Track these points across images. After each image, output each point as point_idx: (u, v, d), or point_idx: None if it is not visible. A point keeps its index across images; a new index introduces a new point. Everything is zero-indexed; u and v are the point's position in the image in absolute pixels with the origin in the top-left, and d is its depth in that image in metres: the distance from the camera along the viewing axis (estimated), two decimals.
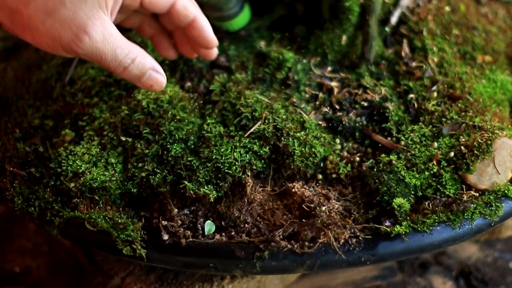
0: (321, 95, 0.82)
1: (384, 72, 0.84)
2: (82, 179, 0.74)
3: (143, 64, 0.71)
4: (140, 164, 0.75)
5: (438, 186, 0.74)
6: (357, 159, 0.78)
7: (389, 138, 0.79)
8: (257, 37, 0.87)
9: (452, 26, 0.89)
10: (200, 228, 0.72)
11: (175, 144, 0.75)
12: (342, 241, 0.69)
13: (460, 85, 0.83)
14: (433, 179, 0.74)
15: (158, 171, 0.74)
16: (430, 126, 0.79)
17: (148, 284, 0.77)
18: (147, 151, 0.75)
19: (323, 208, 0.72)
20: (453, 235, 0.71)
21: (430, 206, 0.72)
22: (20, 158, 0.79)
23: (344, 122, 0.80)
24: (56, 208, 0.74)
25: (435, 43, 0.87)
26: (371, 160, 0.77)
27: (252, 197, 0.74)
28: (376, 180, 0.74)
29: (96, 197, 0.74)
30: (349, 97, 0.82)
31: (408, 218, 0.72)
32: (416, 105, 0.81)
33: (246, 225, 0.72)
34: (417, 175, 0.74)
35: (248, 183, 0.74)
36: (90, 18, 0.68)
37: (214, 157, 0.74)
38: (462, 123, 0.78)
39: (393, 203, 0.72)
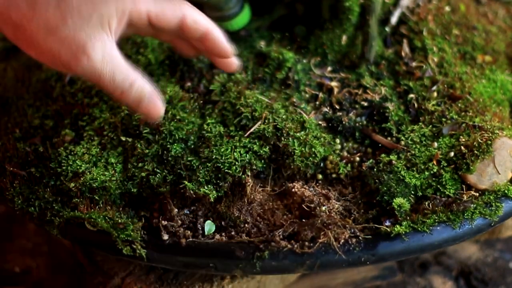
0: (321, 95, 0.82)
1: (384, 72, 0.84)
2: (82, 179, 0.74)
3: (142, 89, 0.69)
4: (140, 164, 0.75)
5: (438, 186, 0.74)
6: (357, 159, 0.78)
7: (389, 138, 0.79)
8: (257, 37, 0.87)
9: (452, 26, 0.89)
10: (200, 228, 0.72)
11: (175, 144, 0.75)
12: (342, 241, 0.69)
13: (460, 85, 0.83)
14: (433, 179, 0.74)
15: (158, 171, 0.74)
16: (430, 126, 0.79)
17: (148, 284, 0.77)
18: (147, 151, 0.75)
19: (323, 208, 0.72)
20: (453, 235, 0.71)
21: (430, 206, 0.72)
22: (20, 158, 0.79)
23: (344, 122, 0.80)
24: (56, 208, 0.74)
25: (435, 43, 0.87)
26: (371, 160, 0.77)
27: (252, 197, 0.74)
28: (376, 180, 0.74)
29: (96, 197, 0.74)
30: (349, 97, 0.82)
31: (408, 218, 0.72)
32: (416, 105, 0.81)
33: (246, 225, 0.72)
34: (417, 175, 0.74)
35: (248, 183, 0.74)
36: (91, 38, 0.67)
37: (214, 157, 0.74)
38: (462, 123, 0.78)
39: (393, 203, 0.72)
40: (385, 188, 0.74)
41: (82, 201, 0.73)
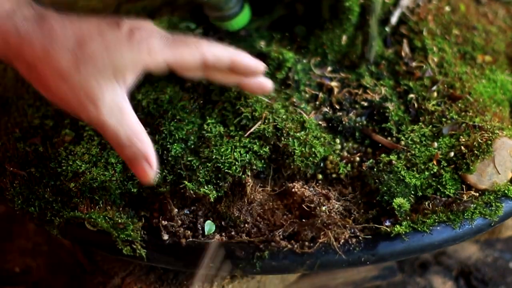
0: (321, 95, 0.82)
1: (384, 72, 0.84)
2: (82, 179, 0.74)
3: (139, 150, 0.68)
4: None
5: (438, 186, 0.74)
6: (357, 159, 0.78)
7: (389, 138, 0.79)
8: (257, 37, 0.87)
9: (452, 26, 0.89)
10: (200, 228, 0.72)
11: (175, 144, 0.75)
12: (342, 241, 0.69)
13: (460, 85, 0.83)
14: (433, 179, 0.74)
15: (158, 171, 0.74)
16: (430, 126, 0.79)
17: (148, 284, 0.77)
18: None
19: (323, 208, 0.72)
20: (453, 235, 0.71)
21: (430, 206, 0.72)
22: (20, 158, 0.79)
23: (344, 122, 0.80)
24: (56, 208, 0.74)
25: (435, 43, 0.87)
26: (371, 160, 0.77)
27: (252, 197, 0.74)
28: (376, 180, 0.74)
29: (96, 197, 0.74)
30: (349, 97, 0.82)
31: (408, 218, 0.72)
32: (416, 105, 0.81)
33: (246, 225, 0.72)
34: (417, 175, 0.74)
35: (248, 183, 0.74)
36: (102, 88, 0.66)
37: (214, 157, 0.74)
38: (462, 123, 0.78)
39: (393, 203, 0.72)
40: (385, 188, 0.74)
41: (82, 201, 0.73)
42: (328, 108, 0.81)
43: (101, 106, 0.67)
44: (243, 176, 0.74)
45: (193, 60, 0.70)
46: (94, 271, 0.82)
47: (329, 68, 0.84)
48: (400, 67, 0.85)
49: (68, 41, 0.67)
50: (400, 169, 0.74)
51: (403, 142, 0.78)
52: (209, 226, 0.72)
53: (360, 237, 0.70)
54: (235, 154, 0.74)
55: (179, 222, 0.73)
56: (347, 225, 0.70)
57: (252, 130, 0.76)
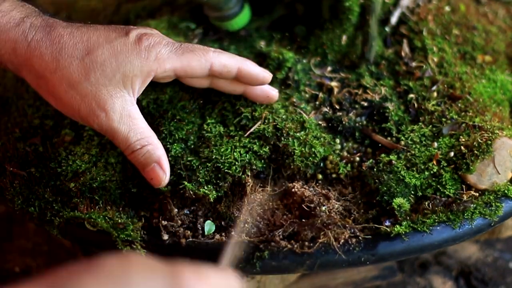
0: (321, 95, 0.82)
1: (384, 72, 0.84)
2: (82, 179, 0.74)
3: (150, 154, 0.70)
4: None
5: (438, 186, 0.74)
6: (357, 159, 0.78)
7: (389, 138, 0.79)
8: (257, 37, 0.87)
9: (452, 26, 0.89)
10: (200, 228, 0.72)
11: (175, 144, 0.75)
12: (342, 241, 0.69)
13: (460, 85, 0.83)
14: (433, 179, 0.74)
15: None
16: (430, 126, 0.79)
17: None
18: None
19: (323, 208, 0.72)
20: (453, 235, 0.71)
21: (430, 206, 0.72)
22: (20, 158, 0.79)
23: (344, 122, 0.80)
24: (56, 208, 0.74)
25: (435, 43, 0.87)
26: (371, 160, 0.77)
27: (252, 197, 0.74)
28: (376, 180, 0.74)
29: (96, 197, 0.74)
30: (349, 97, 0.82)
31: (408, 218, 0.72)
32: (416, 105, 0.81)
33: (246, 225, 0.72)
34: (417, 175, 0.74)
35: (248, 183, 0.74)
36: (111, 96, 0.68)
37: (214, 157, 0.74)
38: (462, 123, 0.78)
39: (393, 203, 0.72)
40: (385, 188, 0.74)
41: (82, 201, 0.73)
42: (328, 108, 0.81)
43: (111, 113, 0.68)
44: (243, 176, 0.74)
45: (200, 68, 0.71)
46: None
47: (329, 68, 0.84)
48: (400, 67, 0.85)
49: (77, 49, 0.68)
50: (400, 169, 0.74)
51: (403, 142, 0.78)
52: (209, 226, 0.72)
53: (360, 237, 0.70)
54: (235, 154, 0.74)
55: (179, 222, 0.73)
56: (347, 225, 0.70)
57: (252, 130, 0.76)
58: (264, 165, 0.76)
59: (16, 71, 0.71)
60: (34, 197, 0.75)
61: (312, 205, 0.72)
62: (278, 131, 0.76)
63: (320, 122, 0.79)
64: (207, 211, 0.74)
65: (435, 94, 0.82)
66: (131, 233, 0.71)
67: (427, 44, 0.86)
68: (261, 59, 0.84)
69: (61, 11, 0.99)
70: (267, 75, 0.75)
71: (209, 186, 0.73)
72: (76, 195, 0.74)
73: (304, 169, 0.76)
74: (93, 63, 0.67)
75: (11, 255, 1.05)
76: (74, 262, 0.45)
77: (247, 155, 0.75)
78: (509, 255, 1.05)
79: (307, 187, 0.74)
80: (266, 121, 0.76)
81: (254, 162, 0.75)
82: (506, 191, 0.74)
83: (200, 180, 0.73)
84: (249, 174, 0.74)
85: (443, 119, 0.79)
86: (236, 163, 0.74)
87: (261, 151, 0.75)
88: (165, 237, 0.71)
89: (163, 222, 0.72)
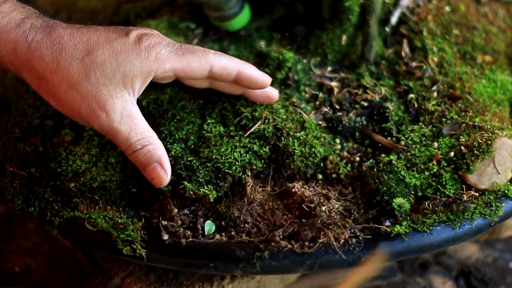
0: (321, 95, 0.82)
1: (384, 72, 0.84)
2: (82, 179, 0.74)
3: (151, 154, 0.70)
4: None
5: (438, 186, 0.74)
6: (357, 159, 0.78)
7: (389, 138, 0.79)
8: (257, 37, 0.87)
9: (452, 26, 0.89)
10: (200, 228, 0.72)
11: (175, 144, 0.75)
12: (342, 241, 0.69)
13: (460, 85, 0.83)
14: (433, 179, 0.74)
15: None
16: (430, 126, 0.79)
17: (148, 284, 0.77)
18: None
19: (323, 208, 0.72)
20: (453, 235, 0.71)
21: (430, 206, 0.72)
22: (20, 158, 0.79)
23: (344, 122, 0.80)
24: (56, 208, 0.74)
25: (435, 43, 0.87)
26: (371, 160, 0.77)
27: (252, 197, 0.74)
28: (376, 180, 0.74)
29: (96, 197, 0.74)
30: (349, 97, 0.82)
31: (408, 218, 0.72)
32: (416, 105, 0.81)
33: (246, 225, 0.72)
34: (417, 175, 0.74)
35: (248, 183, 0.74)
36: (112, 96, 0.68)
37: (214, 157, 0.74)
38: (462, 123, 0.78)
39: (393, 203, 0.72)
40: (385, 188, 0.74)
41: (82, 201, 0.73)
42: (328, 108, 0.81)
43: (112, 113, 0.68)
44: (243, 176, 0.74)
45: (199, 69, 0.71)
46: (94, 271, 0.82)
47: (329, 68, 0.84)
48: (400, 67, 0.85)
49: (77, 49, 0.68)
50: (400, 169, 0.74)
51: (403, 142, 0.78)
52: (209, 226, 0.72)
53: (360, 237, 0.70)
54: (235, 154, 0.74)
55: (179, 222, 0.73)
56: (347, 225, 0.70)
57: (252, 130, 0.76)
58: (264, 165, 0.76)
59: (17, 72, 0.71)
60: (34, 197, 0.75)
61: (312, 205, 0.72)
62: (278, 131, 0.76)
63: (320, 122, 0.79)
64: (207, 211, 0.74)
65: (435, 94, 0.82)
66: (131, 233, 0.71)
67: (427, 44, 0.86)
68: (261, 59, 0.84)
69: (61, 11, 0.99)
70: (266, 79, 0.75)
71: (209, 186, 0.73)
72: (76, 195, 0.74)
73: (304, 169, 0.76)
74: (93, 63, 0.67)
75: (11, 255, 1.05)
76: None
77: (247, 155, 0.75)
78: (509, 255, 1.05)
79: (307, 187, 0.74)
80: (266, 121, 0.76)
81: (254, 162, 0.75)
82: (506, 191, 0.74)
83: (200, 180, 0.73)
84: (249, 174, 0.74)
85: (443, 119, 0.79)
86: (236, 163, 0.74)
87: (261, 151, 0.75)
88: (165, 237, 0.71)
89: (163, 222, 0.72)
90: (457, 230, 0.71)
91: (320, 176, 0.77)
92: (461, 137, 0.77)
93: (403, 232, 0.70)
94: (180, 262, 0.71)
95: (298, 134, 0.76)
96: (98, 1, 1.01)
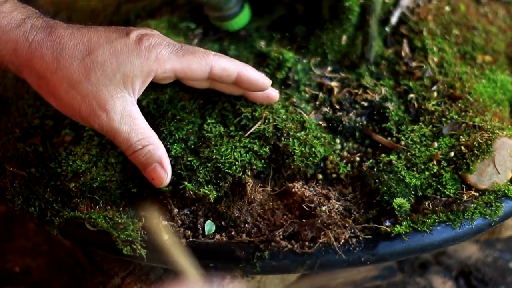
0: (321, 95, 0.82)
1: (384, 72, 0.84)
2: (82, 179, 0.74)
3: (152, 154, 0.70)
4: None
5: (438, 186, 0.74)
6: (357, 159, 0.78)
7: (389, 138, 0.79)
8: (257, 37, 0.87)
9: (452, 26, 0.89)
10: (200, 228, 0.72)
11: (175, 144, 0.75)
12: (342, 241, 0.69)
13: (460, 85, 0.83)
14: (433, 179, 0.74)
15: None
16: (430, 126, 0.79)
17: (148, 284, 0.77)
18: None
19: (323, 208, 0.72)
20: (453, 235, 0.71)
21: (430, 206, 0.72)
22: (20, 158, 0.79)
23: (344, 122, 0.80)
24: (56, 208, 0.74)
25: (435, 43, 0.87)
26: (371, 160, 0.77)
27: (252, 197, 0.74)
28: (376, 180, 0.74)
29: (96, 197, 0.74)
30: (349, 97, 0.82)
31: (408, 218, 0.72)
32: (416, 105, 0.81)
33: (246, 225, 0.72)
34: (417, 175, 0.74)
35: (248, 183, 0.74)
36: (112, 96, 0.68)
37: (214, 157, 0.74)
38: (462, 123, 0.78)
39: (393, 203, 0.72)
40: (385, 188, 0.74)
41: (82, 201, 0.73)
42: (328, 108, 0.81)
43: (112, 113, 0.68)
44: (243, 176, 0.74)
45: (200, 70, 0.71)
46: (94, 271, 0.82)
47: (329, 68, 0.84)
48: (400, 67, 0.85)
49: (77, 49, 0.68)
50: (400, 169, 0.74)
51: (403, 142, 0.78)
52: (209, 226, 0.72)
53: (360, 237, 0.70)
54: (235, 154, 0.74)
55: (179, 222, 0.73)
56: (347, 225, 0.70)
57: (252, 130, 0.76)
58: (264, 165, 0.76)
59: (17, 72, 0.71)
60: (34, 197, 0.75)
61: (312, 205, 0.72)
62: (278, 131, 0.76)
63: (320, 122, 0.79)
64: (207, 211, 0.74)
65: (435, 94, 0.82)
66: (131, 233, 0.71)
67: (427, 44, 0.86)
68: (261, 59, 0.84)
69: (61, 11, 1.00)
70: (266, 81, 0.75)
71: (209, 186, 0.73)
72: (76, 195, 0.74)
73: (304, 169, 0.76)
74: (93, 63, 0.68)
75: (11, 255, 1.05)
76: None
77: (247, 155, 0.75)
78: (509, 255, 1.05)
79: (307, 187, 0.74)
80: (266, 121, 0.76)
81: (254, 162, 0.75)
82: (506, 191, 0.74)
83: (200, 180, 0.73)
84: (249, 174, 0.74)
85: (443, 119, 0.79)
86: (236, 163, 0.74)
87: (261, 151, 0.75)
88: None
89: (163, 222, 0.72)
90: (457, 230, 0.71)
91: (320, 176, 0.77)
92: (461, 137, 0.77)
93: (403, 232, 0.70)
94: None
95: (298, 134, 0.76)
96: (98, 1, 1.01)
